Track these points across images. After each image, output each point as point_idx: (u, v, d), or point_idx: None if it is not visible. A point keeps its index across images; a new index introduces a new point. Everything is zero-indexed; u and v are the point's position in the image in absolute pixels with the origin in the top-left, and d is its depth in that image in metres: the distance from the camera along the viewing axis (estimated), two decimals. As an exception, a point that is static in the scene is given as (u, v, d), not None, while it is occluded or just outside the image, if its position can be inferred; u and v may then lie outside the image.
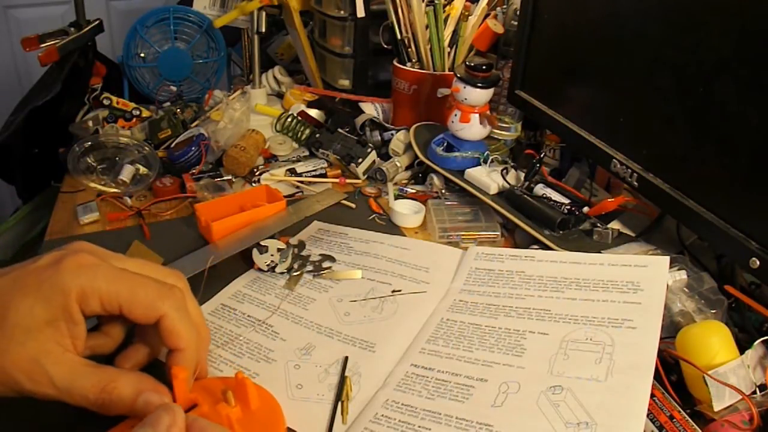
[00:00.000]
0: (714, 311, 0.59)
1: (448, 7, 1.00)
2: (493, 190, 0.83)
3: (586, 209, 0.77)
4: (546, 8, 0.82)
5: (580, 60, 0.78)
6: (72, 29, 1.08)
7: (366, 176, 0.95)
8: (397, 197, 0.88)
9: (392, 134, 1.00)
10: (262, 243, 0.69)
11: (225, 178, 0.92)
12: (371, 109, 1.09)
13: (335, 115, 1.08)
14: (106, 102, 1.05)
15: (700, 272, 0.63)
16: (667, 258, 0.59)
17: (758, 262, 0.55)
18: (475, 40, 1.01)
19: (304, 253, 0.71)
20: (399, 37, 1.00)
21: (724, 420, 0.49)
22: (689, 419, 0.48)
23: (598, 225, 0.76)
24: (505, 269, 0.65)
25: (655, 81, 0.65)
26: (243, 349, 0.57)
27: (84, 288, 0.39)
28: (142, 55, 1.18)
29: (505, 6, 1.02)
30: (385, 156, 0.98)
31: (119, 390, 0.39)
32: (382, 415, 0.49)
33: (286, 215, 0.79)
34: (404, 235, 0.79)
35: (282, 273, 0.68)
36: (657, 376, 0.51)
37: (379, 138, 1.01)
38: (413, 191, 0.90)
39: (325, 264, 0.69)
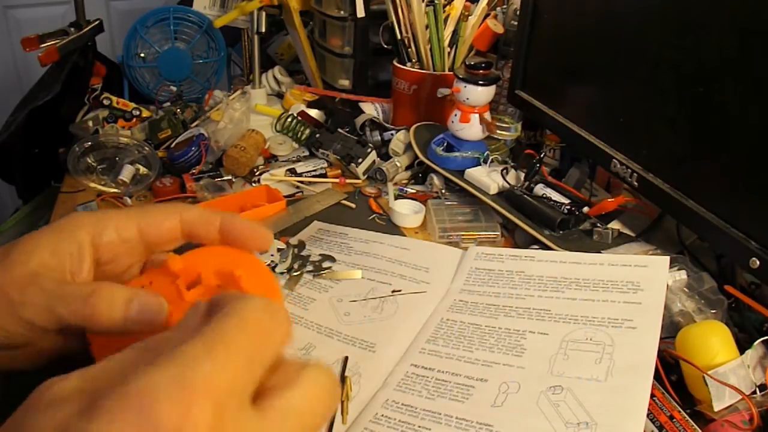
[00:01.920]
0: (714, 311, 0.59)
1: (448, 7, 1.00)
2: (493, 190, 0.83)
3: (586, 209, 0.77)
4: (546, 8, 0.82)
5: (580, 60, 0.78)
6: (72, 29, 1.08)
7: (366, 176, 0.95)
8: (397, 197, 0.88)
9: (392, 134, 1.00)
10: (262, 243, 0.69)
11: (225, 178, 0.92)
12: (371, 109, 1.09)
13: (335, 115, 1.08)
14: (106, 102, 1.05)
15: (700, 272, 0.63)
16: (667, 258, 0.59)
17: (758, 262, 0.55)
18: (475, 40, 1.01)
19: (304, 253, 0.71)
20: (399, 37, 1.00)
21: (724, 420, 0.49)
22: (689, 419, 0.48)
23: (598, 225, 0.76)
24: (505, 269, 0.65)
25: (655, 81, 0.65)
26: (243, 349, 0.57)
27: (98, 220, 0.37)
28: (142, 55, 1.18)
29: (505, 6, 1.02)
30: (385, 156, 0.98)
31: (112, 292, 0.34)
32: (382, 415, 0.49)
33: (286, 215, 0.79)
34: (404, 235, 0.79)
35: (282, 273, 0.68)
36: (657, 376, 0.51)
37: (379, 138, 1.01)
38: (413, 191, 0.90)
39: (325, 264, 0.69)
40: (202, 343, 0.24)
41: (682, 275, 0.61)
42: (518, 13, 0.90)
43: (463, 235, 0.79)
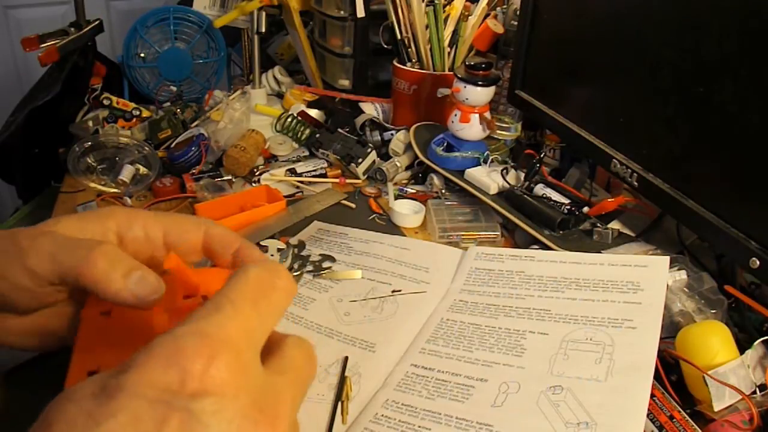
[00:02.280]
0: (714, 311, 0.59)
1: (448, 7, 1.00)
2: (493, 190, 0.83)
3: (586, 209, 0.77)
4: (546, 8, 0.82)
5: (580, 60, 0.78)
6: (72, 29, 1.08)
7: (366, 176, 0.95)
8: (397, 197, 0.88)
9: (392, 134, 1.00)
10: (262, 243, 0.69)
11: (225, 178, 0.92)
12: (371, 109, 1.09)
13: (335, 115, 1.08)
14: (106, 102, 1.05)
15: (700, 272, 0.63)
16: (667, 258, 0.59)
17: (758, 262, 0.55)
18: (475, 40, 1.01)
19: (304, 253, 0.71)
20: (399, 37, 1.00)
21: (724, 420, 0.49)
22: (689, 419, 0.48)
23: (598, 225, 0.76)
24: (505, 269, 0.65)
25: (655, 81, 0.65)
26: (243, 349, 0.57)
27: (129, 214, 0.37)
28: (142, 55, 1.18)
29: (505, 6, 1.02)
30: (385, 156, 0.98)
31: (117, 254, 0.33)
32: (382, 415, 0.49)
33: (286, 215, 0.79)
34: (404, 235, 0.79)
35: (282, 273, 0.68)
36: (657, 376, 0.51)
37: (379, 138, 1.01)
38: (413, 191, 0.90)
39: (325, 264, 0.69)
40: (211, 303, 0.26)
41: (682, 275, 0.61)
42: (518, 13, 0.90)
43: (463, 235, 0.79)
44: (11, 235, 0.34)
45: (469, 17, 0.99)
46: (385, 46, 1.05)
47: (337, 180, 0.93)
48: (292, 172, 0.93)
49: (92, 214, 0.37)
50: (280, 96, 1.20)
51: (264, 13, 1.11)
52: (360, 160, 0.93)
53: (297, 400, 0.28)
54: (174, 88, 1.19)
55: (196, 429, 0.22)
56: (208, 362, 0.23)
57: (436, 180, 0.90)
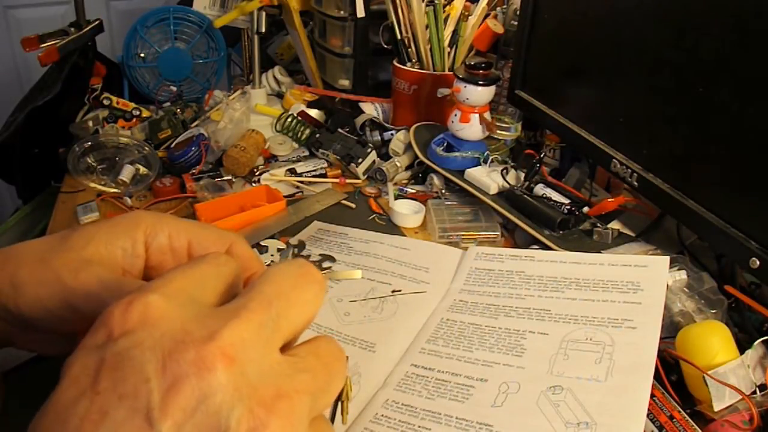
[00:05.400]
0: (714, 311, 0.59)
1: (448, 7, 1.00)
2: (493, 190, 0.83)
3: (586, 209, 0.77)
4: (546, 8, 0.82)
5: (580, 60, 0.78)
6: (72, 29, 1.08)
7: (366, 176, 0.95)
8: (397, 197, 0.88)
9: (392, 134, 1.00)
10: (262, 243, 0.69)
11: (225, 178, 0.92)
12: (371, 109, 1.09)
13: (335, 115, 1.08)
14: (106, 102, 1.05)
15: (700, 272, 0.63)
16: (667, 258, 0.59)
17: (758, 262, 0.55)
18: (475, 40, 1.01)
19: (304, 253, 0.71)
20: (399, 37, 1.00)
21: (724, 420, 0.49)
22: (689, 419, 0.48)
23: (598, 225, 0.76)
24: (505, 269, 0.65)
25: (655, 81, 0.65)
26: (243, 349, 0.57)
27: (155, 222, 0.37)
28: (142, 55, 1.18)
29: (505, 6, 1.02)
30: (385, 156, 0.98)
31: None
32: (382, 415, 0.49)
33: (286, 215, 0.79)
34: (404, 235, 0.79)
35: (282, 273, 0.68)
36: (657, 376, 0.51)
37: (379, 138, 1.01)
38: (413, 191, 0.90)
39: (325, 264, 0.69)
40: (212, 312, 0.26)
41: (682, 275, 0.61)
42: (518, 13, 0.90)
43: (463, 235, 0.79)
44: (44, 261, 0.34)
45: (469, 17, 0.99)
46: (385, 46, 1.05)
47: (337, 180, 0.93)
48: (292, 172, 0.93)
49: (120, 225, 0.36)
50: (280, 96, 1.20)
51: (264, 13, 1.11)
52: (360, 160, 0.93)
53: (308, 383, 0.27)
54: (174, 88, 1.19)
55: (126, 365, 0.23)
56: (125, 308, 0.24)
57: (436, 180, 0.90)
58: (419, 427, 0.47)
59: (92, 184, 0.89)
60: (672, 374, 0.54)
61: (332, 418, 0.49)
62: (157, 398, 0.22)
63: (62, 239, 0.35)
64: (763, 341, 0.54)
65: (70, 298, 0.33)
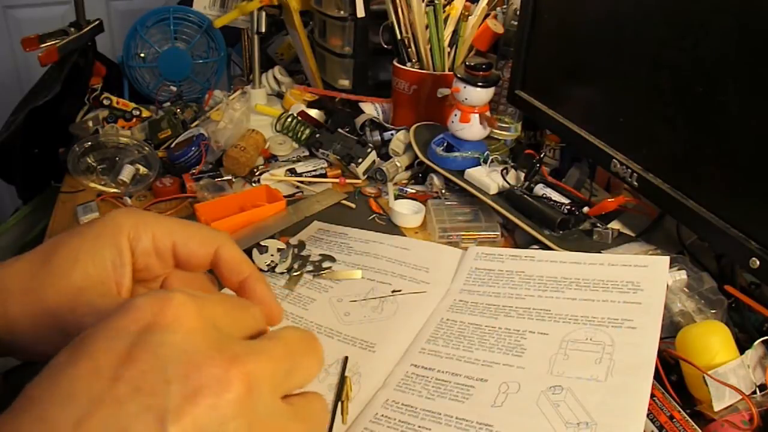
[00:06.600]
0: (714, 311, 0.59)
1: (448, 7, 1.00)
2: (493, 190, 0.83)
3: (586, 209, 0.77)
4: (546, 8, 0.82)
5: (580, 60, 0.78)
6: (72, 29, 1.08)
7: (366, 176, 0.95)
8: (397, 197, 0.88)
9: (392, 134, 1.00)
10: (262, 243, 0.69)
11: (225, 178, 0.92)
12: (371, 109, 1.09)
13: (335, 115, 1.08)
14: (106, 102, 1.05)
15: (700, 272, 0.63)
16: (667, 258, 0.59)
17: (758, 262, 0.55)
18: (475, 40, 1.01)
19: (304, 253, 0.71)
20: (399, 37, 1.00)
21: (724, 420, 0.49)
22: (689, 419, 0.48)
23: (598, 225, 0.76)
24: (505, 269, 0.65)
25: (655, 81, 0.65)
26: (243, 349, 0.57)
27: (137, 224, 0.36)
28: (142, 55, 1.18)
29: (505, 6, 1.02)
30: (385, 156, 0.98)
31: None
32: (382, 415, 0.49)
33: (286, 215, 0.79)
34: (404, 235, 0.79)
35: (282, 273, 0.68)
36: (657, 376, 0.51)
37: (379, 138, 1.01)
38: (413, 191, 0.90)
39: (325, 264, 0.69)
40: (247, 343, 0.27)
41: (682, 275, 0.61)
42: (518, 13, 0.90)
43: (463, 235, 0.79)
44: (33, 292, 0.33)
45: (469, 17, 0.99)
46: (385, 46, 1.05)
47: (337, 180, 0.93)
48: (292, 172, 0.93)
49: (102, 237, 0.35)
50: (280, 96, 1.20)
51: (264, 13, 1.11)
52: (360, 160, 0.93)
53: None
54: (174, 88, 1.19)
55: (150, 360, 0.23)
56: (162, 304, 0.25)
57: (436, 180, 0.90)
58: (419, 427, 0.47)
59: (92, 184, 0.89)
60: (672, 374, 0.54)
61: (332, 418, 0.49)
62: (173, 402, 0.22)
63: (44, 263, 0.33)
64: (763, 341, 0.54)
65: (69, 330, 0.32)
